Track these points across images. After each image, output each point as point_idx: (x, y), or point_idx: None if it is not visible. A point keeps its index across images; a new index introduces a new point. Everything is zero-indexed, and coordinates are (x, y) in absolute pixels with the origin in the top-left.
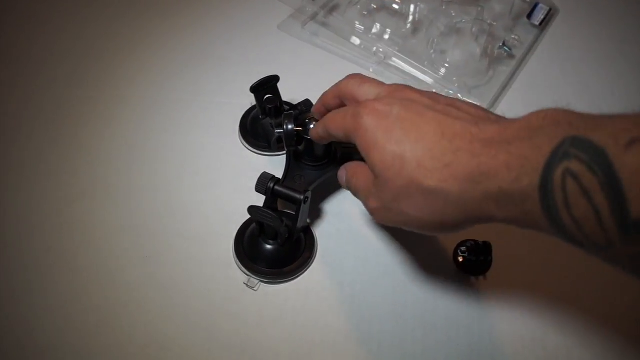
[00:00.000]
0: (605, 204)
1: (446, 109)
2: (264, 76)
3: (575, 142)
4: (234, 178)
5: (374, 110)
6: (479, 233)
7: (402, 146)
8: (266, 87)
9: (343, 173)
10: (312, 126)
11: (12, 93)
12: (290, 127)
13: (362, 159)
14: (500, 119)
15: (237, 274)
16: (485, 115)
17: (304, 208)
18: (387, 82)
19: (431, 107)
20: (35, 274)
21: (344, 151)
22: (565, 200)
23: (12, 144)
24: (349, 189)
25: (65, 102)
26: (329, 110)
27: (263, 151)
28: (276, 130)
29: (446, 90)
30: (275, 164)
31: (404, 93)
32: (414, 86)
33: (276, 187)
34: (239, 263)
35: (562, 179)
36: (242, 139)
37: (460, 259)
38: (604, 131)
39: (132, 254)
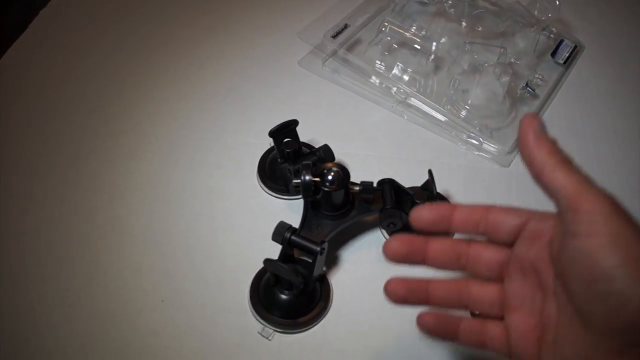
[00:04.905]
0: None
1: None
2: (284, 115)
3: None
4: (251, 222)
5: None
6: None
7: None
8: (285, 131)
9: None
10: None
11: (32, 126)
12: (307, 178)
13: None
14: None
15: (251, 321)
16: None
17: (320, 259)
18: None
19: None
20: (53, 316)
21: (364, 199)
22: None
23: (31, 181)
24: None
25: (85, 138)
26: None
27: (280, 194)
28: (294, 180)
29: (467, 133)
30: (293, 208)
31: None
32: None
33: (292, 237)
34: (254, 311)
35: None
36: (260, 181)
37: None
38: None
39: (149, 298)
